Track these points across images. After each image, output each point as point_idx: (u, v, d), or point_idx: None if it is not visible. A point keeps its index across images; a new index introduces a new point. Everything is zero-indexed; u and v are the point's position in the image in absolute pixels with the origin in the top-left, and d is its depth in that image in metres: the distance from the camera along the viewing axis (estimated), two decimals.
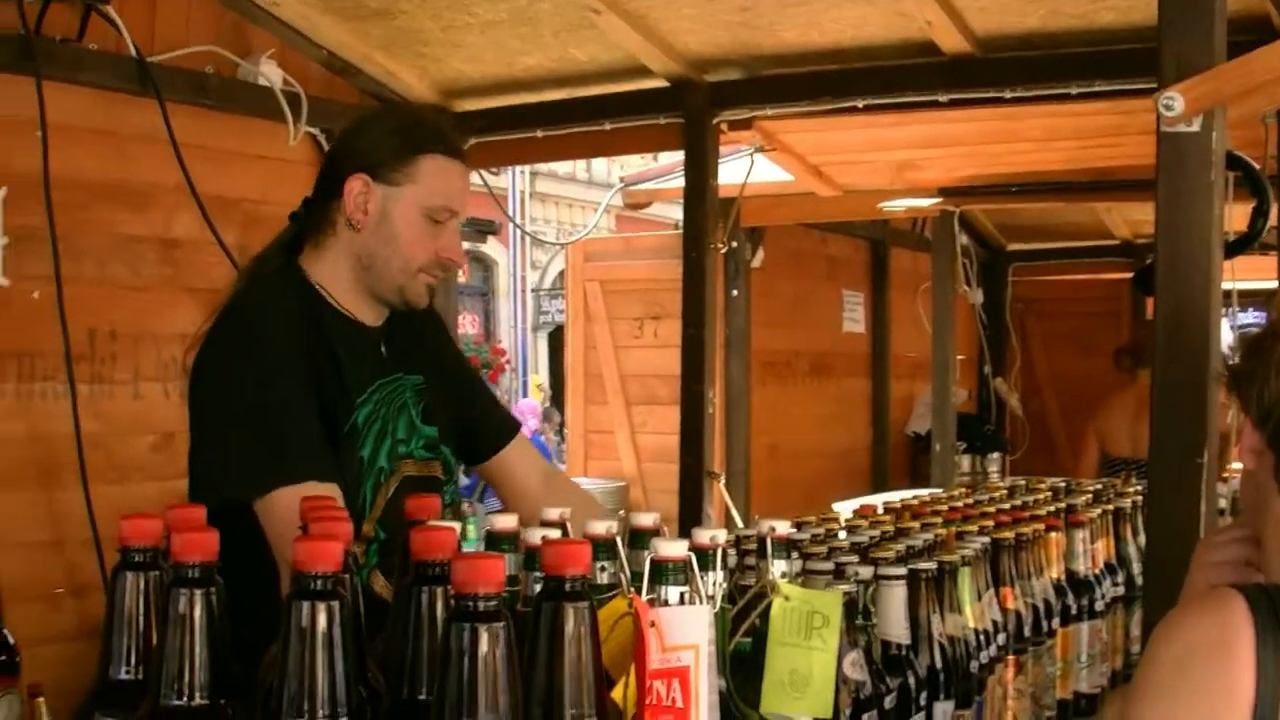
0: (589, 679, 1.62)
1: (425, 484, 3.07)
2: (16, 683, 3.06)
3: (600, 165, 21.34)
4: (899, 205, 7.87)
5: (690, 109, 5.53)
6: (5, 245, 4.40)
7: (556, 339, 20.00)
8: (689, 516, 5.50)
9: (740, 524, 5.50)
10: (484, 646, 1.47)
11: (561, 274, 14.72)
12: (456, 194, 3.09)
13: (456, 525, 1.87)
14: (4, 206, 4.40)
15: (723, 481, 5.97)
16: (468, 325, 21.69)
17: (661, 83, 5.50)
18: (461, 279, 20.00)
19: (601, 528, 1.97)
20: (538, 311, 24.21)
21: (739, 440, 8.58)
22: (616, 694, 1.73)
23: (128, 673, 1.75)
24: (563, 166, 22.88)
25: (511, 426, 3.52)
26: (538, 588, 1.66)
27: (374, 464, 3.02)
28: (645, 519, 2.11)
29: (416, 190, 3.02)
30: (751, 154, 6.49)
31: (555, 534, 2.00)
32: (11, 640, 3.06)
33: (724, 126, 5.63)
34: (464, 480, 10.92)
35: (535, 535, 1.97)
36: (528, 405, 18.60)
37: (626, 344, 9.46)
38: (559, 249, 16.18)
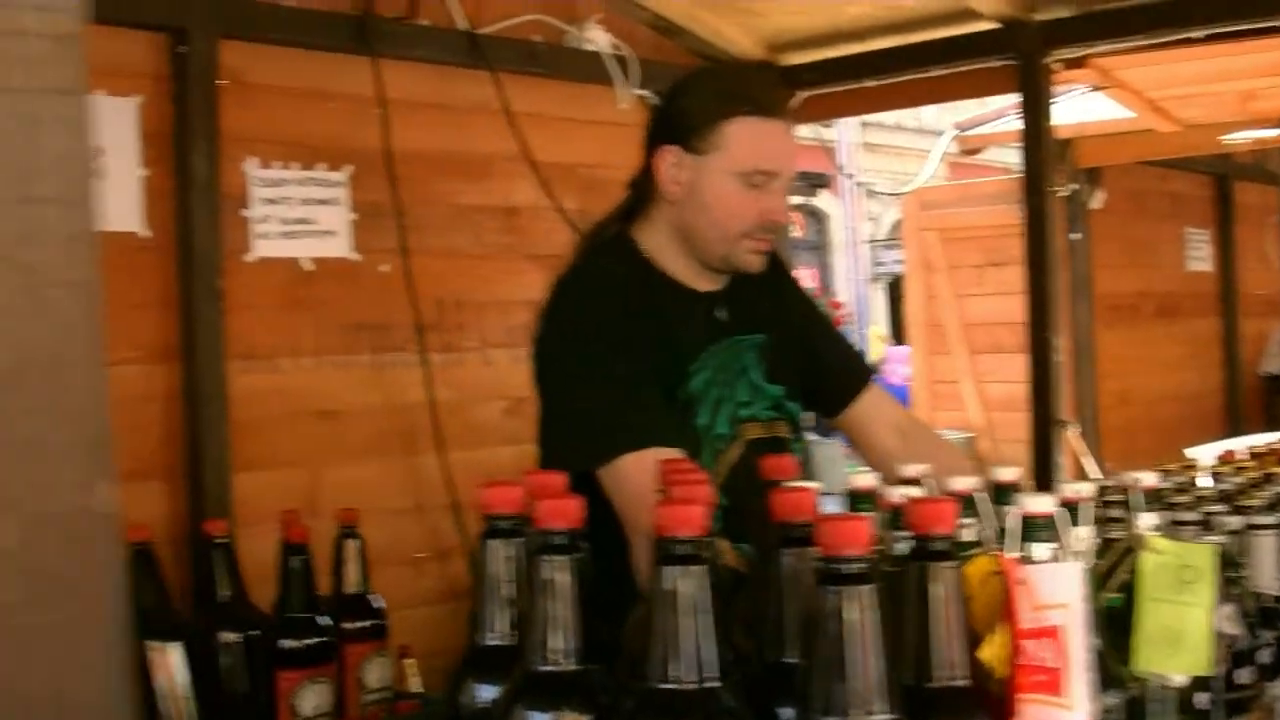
0: (959, 639, 1.59)
1: (771, 445, 3.01)
2: (386, 645, 3.17)
3: (929, 112, 21.01)
4: (1243, 137, 7.61)
5: (1021, 50, 5.37)
6: (354, 221, 4.54)
7: (894, 290, 19.79)
8: (1041, 467, 5.37)
9: (1093, 473, 5.37)
10: (853, 610, 1.45)
11: (896, 224, 14.57)
12: (772, 155, 2.98)
13: (816, 485, 1.85)
14: (351, 184, 4.54)
15: (1075, 431, 5.82)
16: (805, 280, 21.60)
17: (989, 24, 5.37)
18: (797, 233, 19.94)
19: (965, 484, 1.93)
20: (874, 263, 23.94)
21: (1087, 387, 8.41)
22: (983, 653, 1.69)
23: (498, 639, 1.77)
24: (890, 115, 22.59)
25: (860, 378, 3.40)
26: (900, 547, 1.63)
27: (711, 431, 2.99)
28: (1007, 473, 2.06)
29: (725, 157, 2.94)
30: (1087, 92, 6.33)
31: (915, 492, 1.97)
32: (380, 604, 3.17)
33: (1057, 66, 5.48)
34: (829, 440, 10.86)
35: (895, 494, 1.94)
36: (896, 353, 18.45)
37: (968, 292, 9.33)
38: (894, 199, 16.01)
